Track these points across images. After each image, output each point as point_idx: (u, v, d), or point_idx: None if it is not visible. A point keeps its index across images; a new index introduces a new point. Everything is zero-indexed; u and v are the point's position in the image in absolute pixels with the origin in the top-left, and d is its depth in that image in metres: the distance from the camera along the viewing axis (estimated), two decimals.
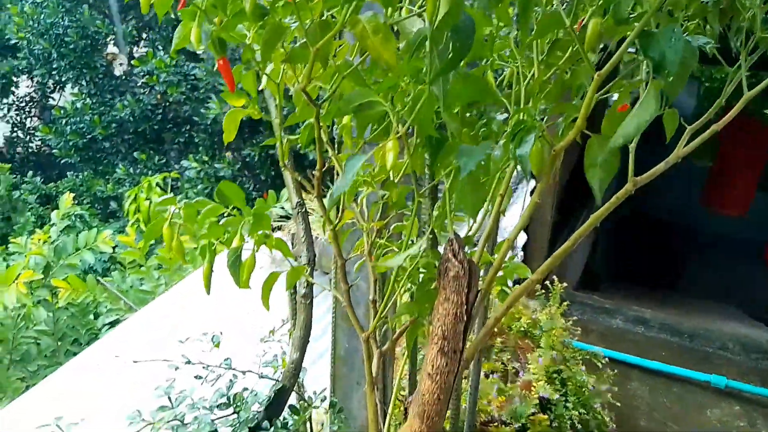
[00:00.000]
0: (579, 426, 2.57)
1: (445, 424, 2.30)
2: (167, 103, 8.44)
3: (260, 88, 1.02)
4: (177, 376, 1.36)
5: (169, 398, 1.29)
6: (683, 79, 0.74)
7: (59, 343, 5.51)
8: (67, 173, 9.09)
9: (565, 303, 3.06)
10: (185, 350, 1.46)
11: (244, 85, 1.00)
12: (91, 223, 7.44)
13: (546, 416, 2.52)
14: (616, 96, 1.07)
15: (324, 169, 0.97)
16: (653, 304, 3.91)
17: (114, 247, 5.97)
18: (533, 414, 2.50)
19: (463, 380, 2.16)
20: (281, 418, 1.39)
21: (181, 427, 1.27)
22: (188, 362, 1.36)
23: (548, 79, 1.02)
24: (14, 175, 8.59)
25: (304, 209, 1.43)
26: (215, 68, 7.61)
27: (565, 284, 3.10)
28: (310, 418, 1.57)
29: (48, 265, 5.48)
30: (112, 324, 5.33)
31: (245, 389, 1.40)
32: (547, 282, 3.08)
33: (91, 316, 5.70)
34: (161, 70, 7.74)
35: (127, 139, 8.39)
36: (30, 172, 8.97)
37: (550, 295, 3.04)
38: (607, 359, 3.03)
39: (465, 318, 0.89)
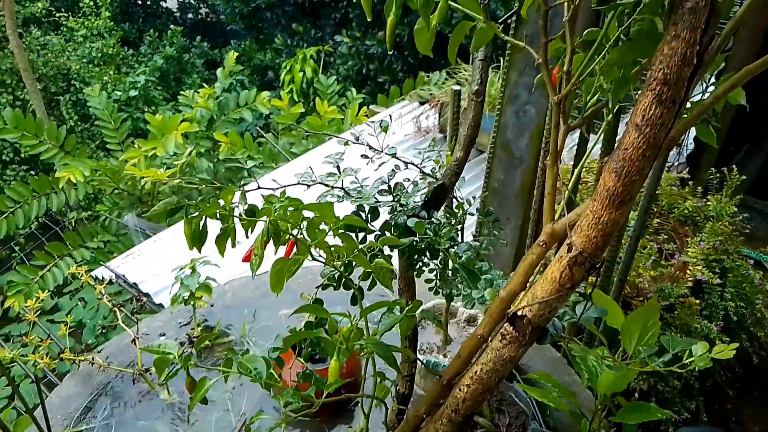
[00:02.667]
0: (734, 318, 2.37)
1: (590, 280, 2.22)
2: None
3: None
4: (345, 157, 1.38)
5: (338, 167, 1.31)
6: None
7: (218, 192, 6.03)
8: (231, 41, 9.57)
9: (738, 197, 2.76)
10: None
11: None
12: (249, 88, 7.86)
13: (697, 301, 2.35)
14: None
15: None
16: None
17: (269, 114, 6.26)
18: (684, 296, 2.34)
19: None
20: (437, 215, 1.38)
21: (345, 197, 1.30)
22: (357, 139, 1.38)
23: None
24: (185, 39, 9.21)
25: None
26: None
27: (743, 177, 2.78)
28: (463, 224, 1.55)
29: (212, 118, 5.87)
30: None
31: (406, 179, 1.40)
32: (724, 169, 2.77)
33: (245, 172, 6.14)
34: None
35: (288, 10, 8.57)
36: (198, 38, 9.56)
37: (725, 184, 2.74)
38: None
39: (694, 62, 0.76)
